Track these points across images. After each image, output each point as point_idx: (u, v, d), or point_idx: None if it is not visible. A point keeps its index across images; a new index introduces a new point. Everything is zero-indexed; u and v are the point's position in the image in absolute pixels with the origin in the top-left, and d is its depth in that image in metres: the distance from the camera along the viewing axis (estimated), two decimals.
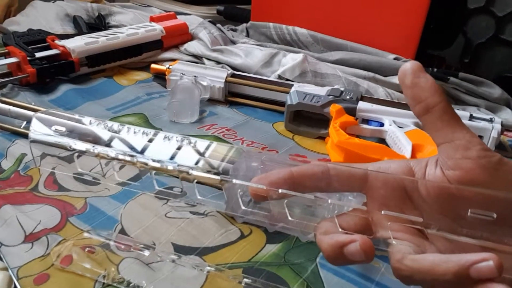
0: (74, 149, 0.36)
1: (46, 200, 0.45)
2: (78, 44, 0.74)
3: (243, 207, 0.47)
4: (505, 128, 0.69)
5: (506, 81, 0.93)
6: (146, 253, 0.39)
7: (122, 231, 0.42)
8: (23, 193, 0.46)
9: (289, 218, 0.35)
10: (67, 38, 0.76)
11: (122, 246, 0.39)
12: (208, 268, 0.39)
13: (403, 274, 0.28)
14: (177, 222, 0.44)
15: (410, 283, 0.29)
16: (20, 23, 0.90)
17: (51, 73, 0.72)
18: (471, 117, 0.63)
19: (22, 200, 0.45)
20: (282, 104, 0.69)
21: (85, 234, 0.41)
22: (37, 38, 0.76)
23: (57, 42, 0.74)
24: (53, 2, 0.97)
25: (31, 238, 0.40)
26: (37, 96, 0.68)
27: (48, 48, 0.74)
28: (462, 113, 0.64)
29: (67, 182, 0.48)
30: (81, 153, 0.36)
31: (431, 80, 0.31)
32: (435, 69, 0.79)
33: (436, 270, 0.26)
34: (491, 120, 0.63)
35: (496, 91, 0.78)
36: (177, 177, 0.36)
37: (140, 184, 0.48)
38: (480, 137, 0.63)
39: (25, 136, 0.56)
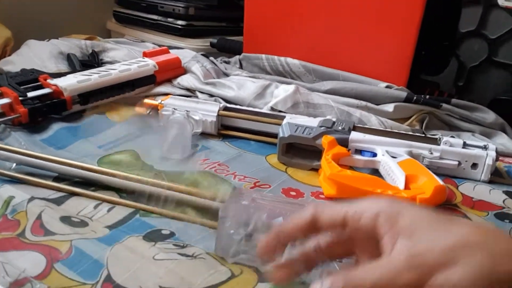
0: None
1: (32, 246, 0.44)
2: (70, 83, 0.74)
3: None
4: (501, 154, 0.68)
5: (501, 103, 0.93)
6: None
7: (108, 277, 0.41)
8: (9, 239, 0.45)
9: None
10: (59, 77, 0.77)
11: None
12: None
13: None
14: (165, 263, 0.43)
15: None
16: (14, 63, 0.90)
17: (43, 112, 0.72)
18: (465, 145, 0.63)
19: (8, 247, 0.44)
20: (275, 136, 0.68)
21: None
22: (29, 78, 0.76)
23: (49, 81, 0.75)
24: (47, 40, 0.98)
25: (16, 284, 0.40)
26: (29, 136, 0.68)
27: (40, 87, 0.74)
28: (456, 140, 0.63)
29: (53, 225, 0.47)
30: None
31: None
32: (427, 96, 0.78)
33: None
34: (485, 147, 0.63)
35: (490, 116, 0.78)
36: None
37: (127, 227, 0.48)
38: (475, 164, 0.63)
39: (14, 179, 0.55)
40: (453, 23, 0.98)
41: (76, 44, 0.97)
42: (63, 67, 0.91)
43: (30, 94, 0.71)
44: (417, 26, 0.78)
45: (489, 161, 0.62)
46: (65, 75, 0.78)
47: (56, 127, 0.71)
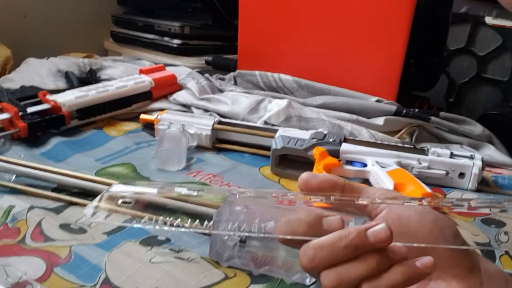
0: None
1: (32, 252, 0.45)
2: (69, 98, 0.76)
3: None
4: (487, 164, 0.70)
5: (491, 118, 0.95)
6: None
7: (106, 280, 0.42)
8: (10, 246, 0.47)
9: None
10: (58, 93, 0.79)
11: None
12: None
13: None
14: (162, 266, 0.44)
15: None
16: (14, 80, 0.93)
17: (42, 127, 0.73)
18: (452, 155, 0.65)
19: (9, 253, 0.45)
20: (268, 148, 0.70)
21: None
22: (29, 94, 0.78)
23: (48, 97, 0.77)
24: (47, 59, 1.00)
25: (17, 286, 0.41)
26: (28, 150, 0.70)
27: (39, 103, 0.76)
28: (443, 151, 0.66)
29: (53, 232, 0.48)
30: None
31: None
32: (416, 110, 0.81)
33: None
34: (471, 157, 0.65)
35: (477, 128, 0.80)
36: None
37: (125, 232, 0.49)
38: (462, 174, 0.64)
39: (14, 190, 0.57)
40: (441, 41, 1.02)
41: (74, 62, 0.99)
42: (62, 84, 0.93)
43: (30, 110, 0.73)
44: (404, 44, 0.81)
45: (476, 170, 0.63)
46: (63, 91, 0.80)
47: (54, 141, 0.73)
